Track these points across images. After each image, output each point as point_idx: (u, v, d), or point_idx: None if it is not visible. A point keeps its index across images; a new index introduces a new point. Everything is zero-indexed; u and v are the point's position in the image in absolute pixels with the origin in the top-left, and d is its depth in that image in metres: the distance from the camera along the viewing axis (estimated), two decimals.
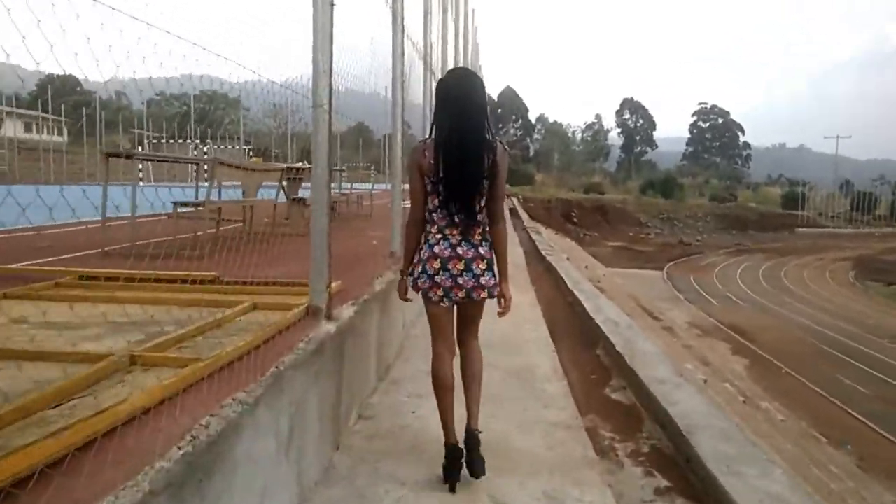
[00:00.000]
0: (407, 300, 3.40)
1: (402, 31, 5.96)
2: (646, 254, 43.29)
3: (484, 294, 3.12)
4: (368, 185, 17.44)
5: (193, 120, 35.28)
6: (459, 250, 3.09)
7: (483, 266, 3.10)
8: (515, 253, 12.90)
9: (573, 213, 53.23)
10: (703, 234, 55.37)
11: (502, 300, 3.18)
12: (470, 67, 19.84)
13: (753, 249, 47.91)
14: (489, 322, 3.32)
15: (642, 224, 57.62)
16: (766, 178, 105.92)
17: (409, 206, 3.28)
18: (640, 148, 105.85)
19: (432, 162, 3.05)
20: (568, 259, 14.58)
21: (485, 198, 3.09)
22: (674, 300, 27.65)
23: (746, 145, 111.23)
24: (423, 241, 3.18)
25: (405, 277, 3.30)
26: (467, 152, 3.03)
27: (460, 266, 3.09)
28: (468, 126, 3.06)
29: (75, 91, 47.32)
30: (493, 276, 3.13)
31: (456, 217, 3.08)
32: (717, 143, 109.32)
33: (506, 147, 3.23)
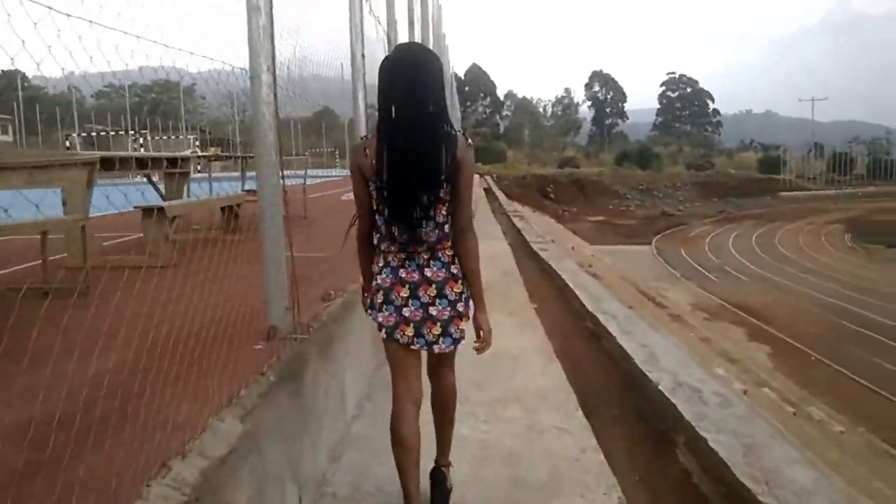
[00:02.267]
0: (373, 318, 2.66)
1: (361, 8, 5.00)
2: (629, 227, 41.51)
3: (462, 325, 2.60)
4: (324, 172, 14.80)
5: (129, 111, 32.97)
6: (428, 272, 2.56)
7: (458, 289, 2.59)
8: (500, 249, 10.48)
9: (549, 189, 51.53)
10: (686, 204, 53.89)
11: (479, 332, 2.67)
12: (436, 45, 17.78)
13: (739, 217, 46.40)
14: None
15: (621, 196, 56.00)
16: (739, 144, 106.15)
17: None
18: (611, 120, 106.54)
19: (374, 162, 2.48)
20: (573, 249, 12.22)
21: (446, 205, 2.49)
22: (669, 278, 25.67)
23: (716, 112, 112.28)
24: (380, 261, 2.62)
25: (365, 295, 2.75)
26: (419, 148, 2.42)
27: (432, 292, 2.56)
28: (420, 115, 2.43)
29: (22, 87, 45.31)
30: (467, 300, 2.63)
31: (404, 234, 2.48)
32: (687, 112, 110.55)
33: (469, 139, 2.56)
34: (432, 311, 2.56)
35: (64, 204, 4.66)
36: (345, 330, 3.42)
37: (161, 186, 6.93)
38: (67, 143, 30.85)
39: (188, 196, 6.93)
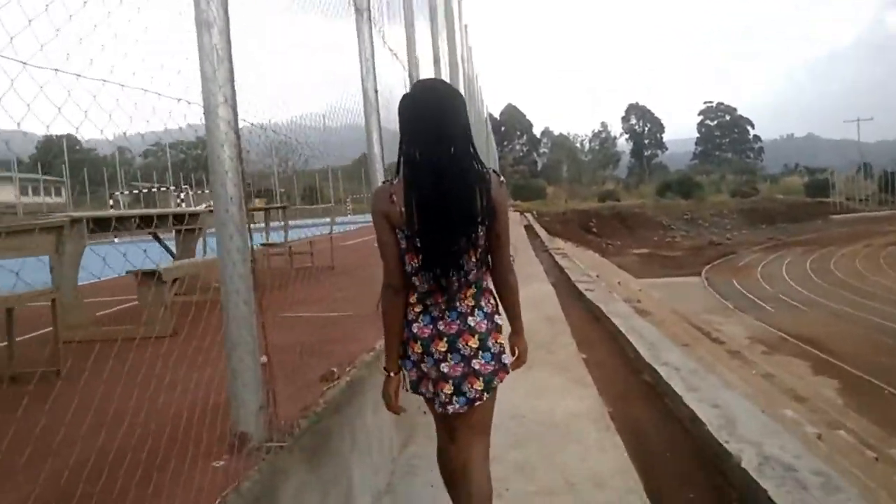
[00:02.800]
0: (399, 411, 2.45)
1: (371, 39, 4.55)
2: (676, 259, 40.42)
3: (479, 385, 2.31)
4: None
5: (171, 168, 33.59)
6: (441, 325, 2.33)
7: (474, 344, 2.31)
8: (543, 292, 9.85)
9: (591, 223, 50.79)
10: (733, 232, 52.52)
11: (514, 350, 2.53)
12: (467, 87, 17.51)
13: (790, 243, 44.90)
14: None
15: (665, 227, 54.94)
16: (782, 169, 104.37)
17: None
18: (649, 152, 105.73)
19: (403, 209, 2.25)
20: (619, 284, 11.55)
21: (480, 249, 2.31)
22: (723, 310, 24.62)
23: (757, 138, 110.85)
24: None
25: (391, 375, 2.42)
26: (451, 191, 2.22)
27: (442, 346, 2.31)
28: (449, 156, 2.24)
29: (75, 150, 47.42)
30: (494, 357, 2.35)
31: (441, 280, 2.27)
32: (727, 140, 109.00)
33: (500, 177, 2.39)
34: (443, 367, 2.33)
35: (51, 271, 4.25)
36: (351, 417, 2.85)
37: (174, 244, 6.51)
38: (111, 202, 31.36)
39: (205, 253, 6.54)
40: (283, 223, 9.77)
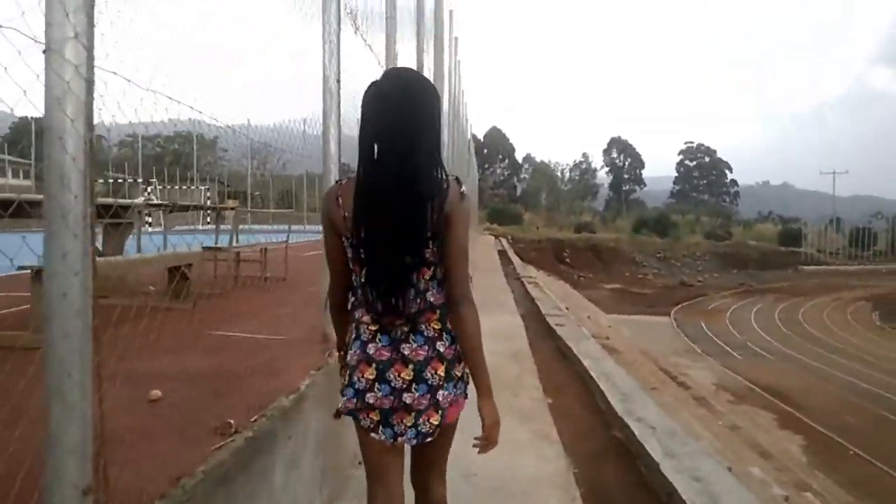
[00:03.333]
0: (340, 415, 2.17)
1: (338, 16, 3.93)
2: (647, 297, 40.31)
3: (435, 420, 2.06)
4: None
5: (141, 160, 32.81)
6: (406, 349, 2.05)
7: (442, 372, 2.06)
8: (512, 325, 9.31)
9: (565, 254, 50.69)
10: (704, 274, 52.74)
11: (483, 424, 2.12)
12: (454, 102, 17.09)
13: (761, 290, 45.13)
14: None
15: (638, 264, 55.04)
16: (756, 216, 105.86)
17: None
18: (628, 186, 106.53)
19: (346, 215, 2.03)
20: (588, 318, 11.10)
21: (437, 268, 2.04)
22: (691, 354, 24.47)
23: (734, 182, 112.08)
24: (352, 332, 2.13)
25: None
26: (399, 199, 1.95)
27: (406, 374, 2.03)
28: (408, 156, 1.96)
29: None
30: (456, 388, 2.11)
31: (379, 303, 2.02)
32: (705, 182, 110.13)
33: (462, 187, 2.09)
34: (406, 398, 2.04)
35: None
36: (250, 485, 2.21)
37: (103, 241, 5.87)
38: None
39: (139, 251, 5.94)
40: (247, 227, 9.18)
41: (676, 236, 65.99)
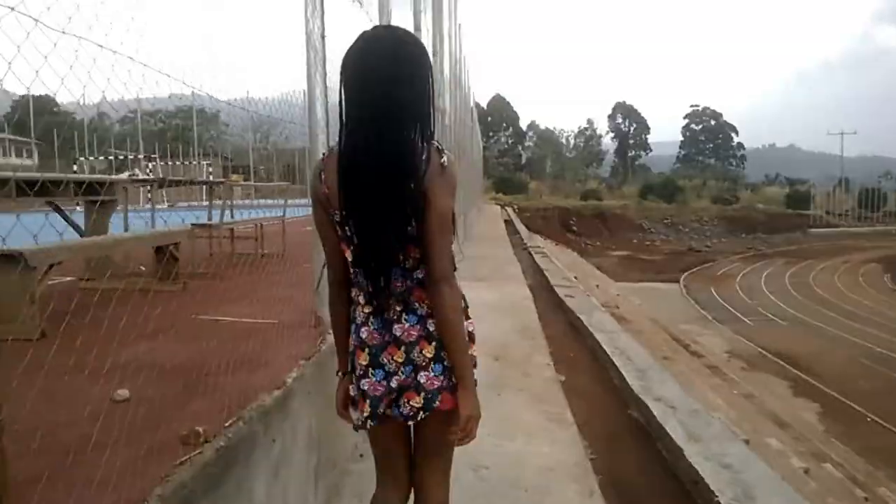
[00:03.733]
0: (348, 420, 2.10)
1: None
2: (655, 263, 39.99)
3: (416, 402, 1.92)
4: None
5: (141, 136, 32.45)
6: (398, 329, 1.94)
7: (429, 353, 1.93)
8: (520, 296, 8.99)
9: (572, 222, 50.28)
10: (713, 239, 52.30)
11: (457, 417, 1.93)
12: (455, 66, 16.60)
13: (770, 254, 44.73)
14: None
15: (646, 230, 54.64)
16: (763, 179, 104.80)
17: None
18: (633, 152, 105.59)
19: (327, 189, 1.93)
20: (597, 287, 10.79)
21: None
22: (701, 320, 24.19)
23: (740, 146, 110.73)
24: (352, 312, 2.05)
25: (342, 376, 2.12)
26: (377, 173, 1.82)
27: (399, 357, 1.94)
28: (385, 127, 1.81)
29: (52, 112, 46.49)
30: (445, 371, 1.93)
31: (368, 283, 1.93)
32: (711, 145, 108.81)
33: (446, 155, 1.88)
34: (393, 382, 1.95)
35: None
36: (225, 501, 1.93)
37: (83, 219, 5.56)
38: (75, 167, 30.01)
39: (126, 230, 5.65)
40: (251, 202, 8.87)
41: (683, 201, 65.51)
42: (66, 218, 5.15)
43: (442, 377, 1.93)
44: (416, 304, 1.95)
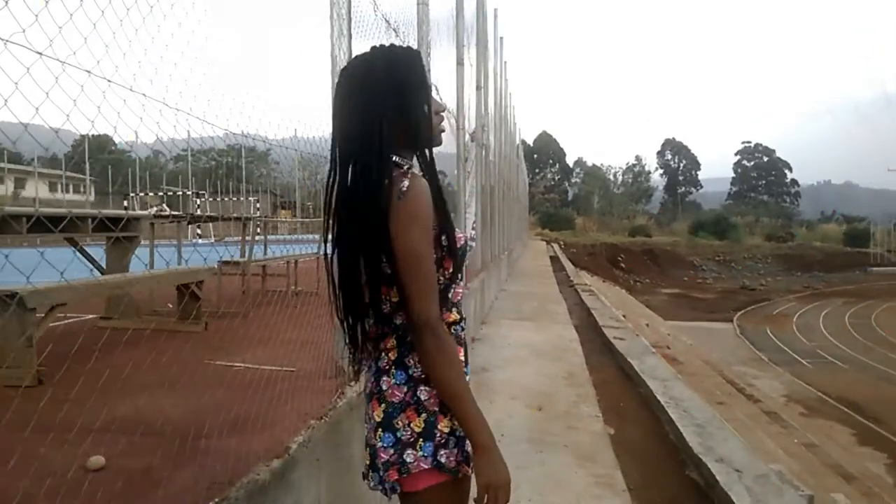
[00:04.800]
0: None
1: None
2: (706, 302, 38.88)
3: (398, 477, 1.61)
4: None
5: (190, 173, 33.07)
6: (384, 382, 1.68)
7: (378, 416, 1.65)
8: (565, 338, 8.53)
9: (620, 258, 49.40)
10: (767, 278, 50.80)
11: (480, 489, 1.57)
12: (500, 103, 16.37)
13: (827, 293, 43.15)
14: None
15: (696, 268, 53.43)
16: (819, 216, 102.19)
17: None
18: (683, 188, 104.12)
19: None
20: (647, 326, 10.27)
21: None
22: (757, 362, 23.25)
23: (794, 183, 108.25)
24: None
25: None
26: (344, 207, 1.71)
27: (378, 415, 1.67)
28: (345, 158, 1.71)
29: (109, 151, 48.44)
30: (396, 445, 1.61)
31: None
32: (764, 182, 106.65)
33: (408, 181, 1.63)
34: (373, 442, 1.67)
35: None
36: None
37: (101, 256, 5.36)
38: (125, 203, 30.66)
39: (151, 268, 5.45)
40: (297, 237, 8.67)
41: (736, 238, 64.09)
42: (84, 254, 4.96)
43: (392, 452, 1.61)
44: (381, 353, 1.70)
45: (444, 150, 7.74)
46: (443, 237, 1.66)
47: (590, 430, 4.71)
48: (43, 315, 3.50)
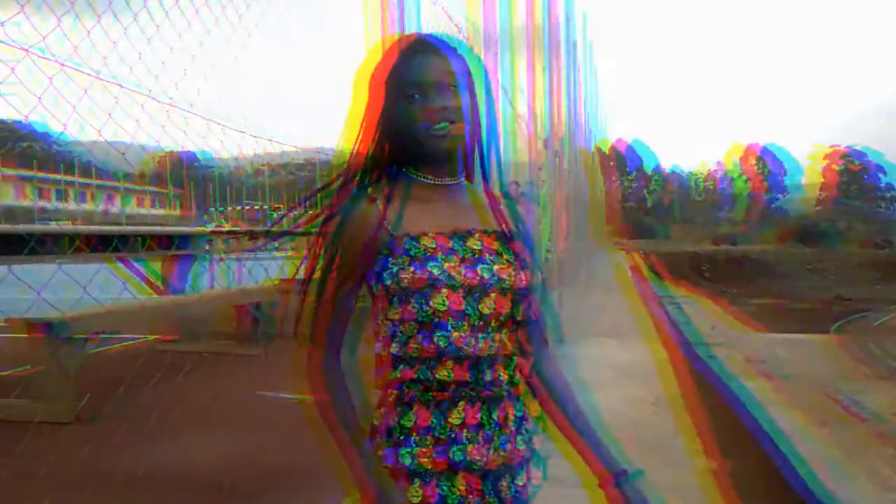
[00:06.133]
0: None
1: None
2: (799, 312, 36.86)
3: None
4: None
5: (267, 187, 33.71)
6: None
7: None
8: (651, 354, 7.89)
9: (704, 268, 47.75)
10: (864, 287, 48.10)
11: None
12: (579, 125, 15.89)
13: None
14: None
15: (786, 276, 51.11)
16: None
17: None
18: (769, 194, 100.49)
19: None
20: (738, 339, 9.49)
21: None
22: (861, 377, 21.65)
23: (889, 187, 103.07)
24: None
25: None
26: None
27: None
28: None
29: (193, 166, 50.57)
30: None
31: None
32: (856, 187, 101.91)
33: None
34: None
35: None
36: None
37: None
38: (206, 217, 31.51)
39: (215, 285, 5.20)
40: None
41: (827, 245, 61.34)
42: (136, 273, 4.76)
43: None
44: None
45: (518, 158, 7.31)
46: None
47: (691, 467, 4.15)
48: (81, 344, 3.25)
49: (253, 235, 9.24)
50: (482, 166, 1.54)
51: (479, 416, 1.41)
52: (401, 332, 1.41)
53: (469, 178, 1.54)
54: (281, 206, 34.18)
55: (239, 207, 37.95)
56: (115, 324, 3.81)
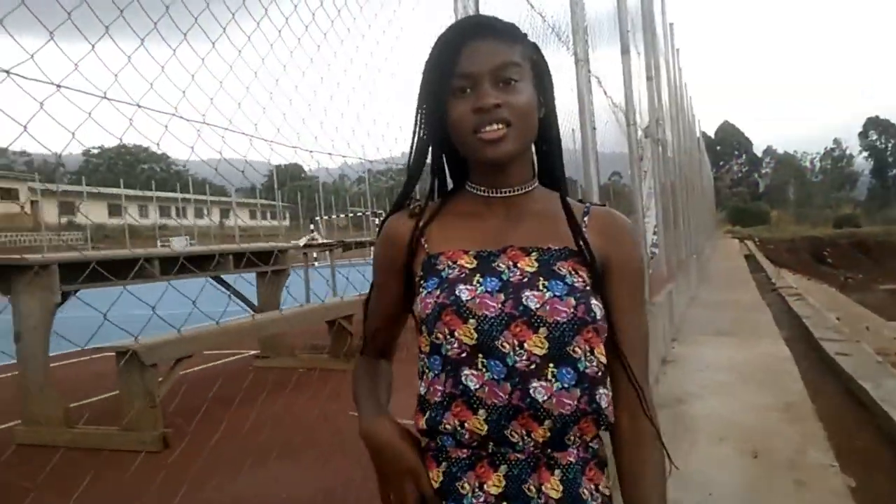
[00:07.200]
0: None
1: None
2: None
3: None
4: None
5: (369, 195, 34.14)
6: None
7: None
8: (776, 356, 7.30)
9: (825, 253, 44.95)
10: None
11: None
12: (675, 94, 15.18)
13: None
14: None
15: None
16: None
17: None
18: (894, 171, 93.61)
19: None
20: (867, 330, 8.65)
21: None
22: None
23: None
24: None
25: None
26: None
27: None
28: None
29: (299, 178, 52.74)
30: None
31: None
32: None
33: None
34: None
35: (17, 339, 2.90)
36: None
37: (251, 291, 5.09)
38: (312, 227, 32.12)
39: (308, 301, 5.12)
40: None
41: None
42: (232, 291, 4.73)
43: None
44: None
45: (616, 149, 6.92)
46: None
47: (826, 485, 3.69)
48: (168, 370, 3.21)
49: (346, 247, 9.25)
50: (555, 172, 1.27)
51: (503, 483, 1.09)
52: (422, 368, 1.17)
53: (553, 185, 1.27)
54: (382, 212, 34.60)
55: (343, 215, 38.84)
56: (205, 346, 3.79)
